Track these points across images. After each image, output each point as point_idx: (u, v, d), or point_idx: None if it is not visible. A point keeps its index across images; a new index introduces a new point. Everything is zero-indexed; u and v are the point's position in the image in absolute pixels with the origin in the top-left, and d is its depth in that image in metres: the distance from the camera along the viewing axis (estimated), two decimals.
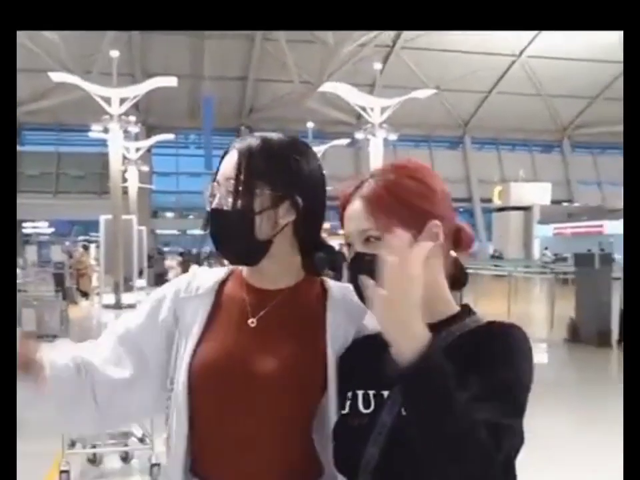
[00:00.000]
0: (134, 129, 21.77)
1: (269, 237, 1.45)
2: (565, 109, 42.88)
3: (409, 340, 1.10)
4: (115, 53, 20.91)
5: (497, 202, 38.98)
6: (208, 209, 1.48)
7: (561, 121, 44.38)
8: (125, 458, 5.41)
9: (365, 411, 1.30)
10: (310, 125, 32.18)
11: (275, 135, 1.52)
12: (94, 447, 5.24)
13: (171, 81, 21.04)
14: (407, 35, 35.96)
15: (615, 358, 10.39)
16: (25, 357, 1.40)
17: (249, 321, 1.47)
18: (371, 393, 1.31)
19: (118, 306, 17.64)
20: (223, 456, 1.44)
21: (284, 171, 1.44)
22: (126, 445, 5.32)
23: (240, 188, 1.42)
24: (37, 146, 39.75)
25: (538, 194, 38.89)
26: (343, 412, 1.34)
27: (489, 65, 38.51)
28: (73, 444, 5.07)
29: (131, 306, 15.61)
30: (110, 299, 18.13)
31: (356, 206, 1.36)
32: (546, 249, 33.13)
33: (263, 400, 1.40)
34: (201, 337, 1.48)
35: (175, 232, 43.73)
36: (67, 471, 4.83)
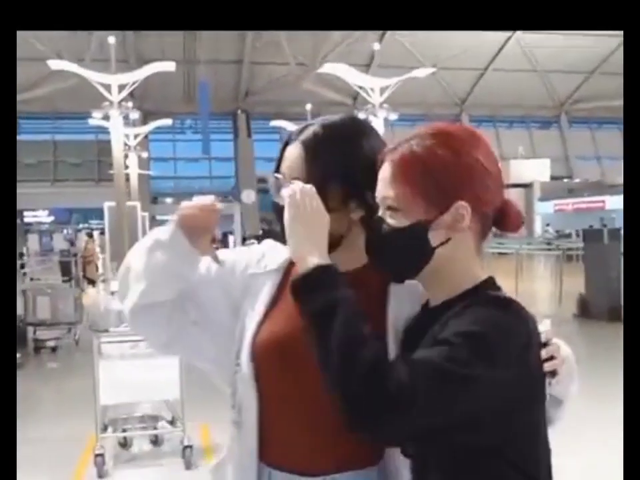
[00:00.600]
0: (134, 115, 21.71)
1: (339, 233, 1.44)
2: (562, 84, 42.69)
3: (307, 255, 1.24)
4: (111, 40, 20.80)
5: None
6: (275, 200, 1.46)
7: (557, 96, 44.22)
8: (155, 441, 5.47)
9: None
10: (308, 107, 32.03)
11: (338, 122, 1.47)
12: (124, 430, 5.30)
13: (169, 66, 20.97)
14: None
15: None
16: (209, 222, 1.48)
17: None
18: None
19: None
20: (286, 439, 1.45)
21: (353, 166, 1.40)
22: (155, 429, 5.40)
23: None
24: (33, 134, 39.59)
25: (537, 170, 38.80)
26: None
27: (484, 42, 38.29)
28: (105, 428, 5.12)
29: None
30: (117, 285, 18.06)
31: (384, 170, 1.30)
32: (547, 225, 33.11)
33: (321, 383, 1.38)
34: (265, 316, 1.48)
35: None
36: (101, 455, 4.89)
